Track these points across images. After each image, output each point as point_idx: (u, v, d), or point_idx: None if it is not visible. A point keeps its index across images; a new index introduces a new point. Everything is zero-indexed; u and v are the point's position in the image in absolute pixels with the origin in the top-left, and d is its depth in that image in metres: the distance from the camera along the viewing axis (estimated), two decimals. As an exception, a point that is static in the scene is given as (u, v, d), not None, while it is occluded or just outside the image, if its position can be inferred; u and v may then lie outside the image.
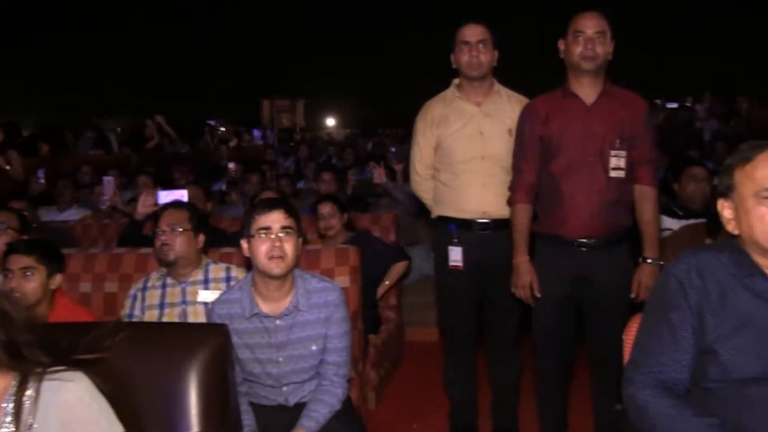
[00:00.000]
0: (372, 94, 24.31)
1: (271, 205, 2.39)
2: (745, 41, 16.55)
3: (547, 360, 2.97)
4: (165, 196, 3.47)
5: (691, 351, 1.67)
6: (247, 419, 2.39)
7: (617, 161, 2.75)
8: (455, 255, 3.09)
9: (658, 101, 11.39)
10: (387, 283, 4.17)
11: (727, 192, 1.72)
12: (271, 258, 2.32)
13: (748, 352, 1.61)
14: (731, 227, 1.72)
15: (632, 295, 2.76)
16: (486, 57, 3.05)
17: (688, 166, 3.91)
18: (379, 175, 5.63)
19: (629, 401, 1.72)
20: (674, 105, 11.23)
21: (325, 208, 4.09)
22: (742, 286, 1.67)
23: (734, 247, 1.73)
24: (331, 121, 26.25)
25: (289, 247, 2.34)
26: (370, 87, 24.25)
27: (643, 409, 1.68)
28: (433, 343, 4.47)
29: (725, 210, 1.73)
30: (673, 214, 3.69)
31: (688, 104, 10.81)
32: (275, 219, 2.35)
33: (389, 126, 18.11)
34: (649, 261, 2.77)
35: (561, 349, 2.95)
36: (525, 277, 2.86)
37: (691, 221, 3.44)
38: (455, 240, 3.09)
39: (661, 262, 2.73)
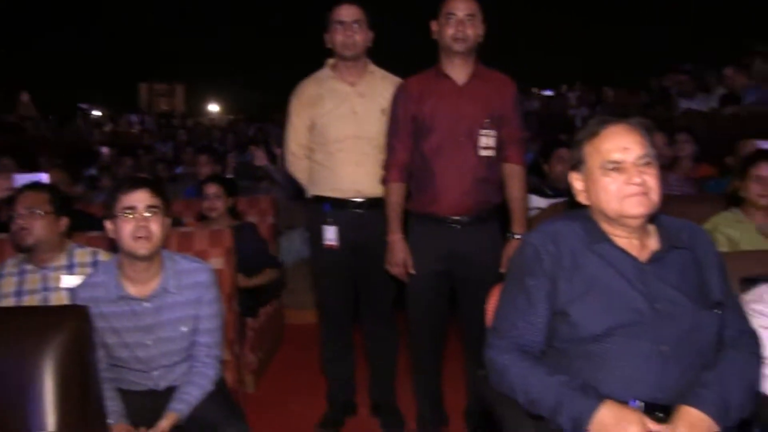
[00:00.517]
0: (258, 81, 23.99)
1: (135, 184, 2.33)
2: (612, 38, 17.57)
3: (421, 334, 3.05)
4: (22, 180, 3.29)
5: (545, 314, 1.79)
6: (114, 406, 2.32)
7: (487, 140, 2.84)
8: (330, 234, 3.13)
9: (535, 89, 11.90)
10: (253, 281, 4.01)
11: (578, 165, 1.85)
12: (136, 238, 2.26)
13: (594, 312, 1.73)
14: (582, 198, 1.85)
15: (501, 270, 2.87)
16: (360, 37, 3.09)
17: (556, 148, 4.10)
18: (260, 157, 5.59)
19: (490, 365, 1.82)
20: (550, 92, 11.76)
21: (211, 189, 4.01)
22: (591, 251, 1.79)
23: (585, 216, 1.85)
24: (214, 107, 25.83)
25: (155, 227, 2.29)
26: (255, 73, 23.92)
27: (502, 372, 1.78)
28: (313, 325, 4.50)
29: (576, 182, 1.86)
30: (542, 194, 3.85)
31: (562, 92, 11.35)
32: (140, 198, 2.29)
33: (277, 112, 17.96)
34: (517, 236, 2.88)
35: (435, 323, 3.04)
36: (399, 255, 2.91)
37: (559, 200, 3.60)
38: (330, 219, 3.12)
39: None
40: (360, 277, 3.24)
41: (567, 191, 3.63)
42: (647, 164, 1.76)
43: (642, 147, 1.76)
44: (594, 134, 1.81)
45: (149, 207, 2.29)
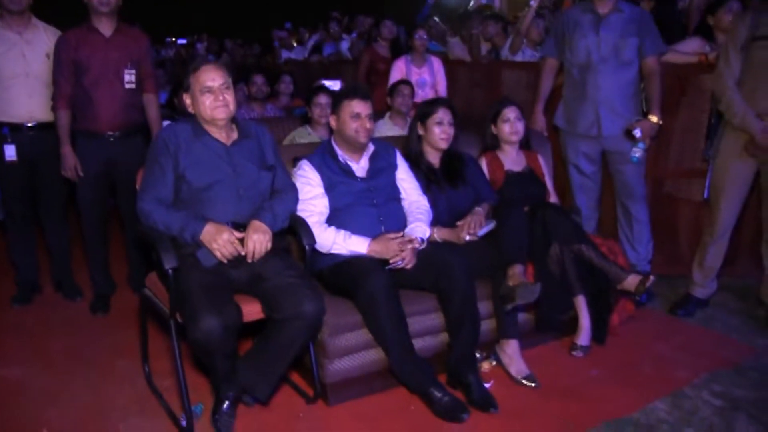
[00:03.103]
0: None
1: None
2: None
3: (91, 219, 3.68)
4: None
5: (171, 177, 2.57)
6: None
7: (130, 77, 3.54)
8: (10, 151, 3.57)
9: (170, 39, 12.22)
10: None
11: (187, 89, 2.67)
12: None
13: (201, 174, 2.58)
14: (190, 109, 2.68)
15: None
16: None
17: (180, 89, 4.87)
18: None
19: (140, 211, 2.55)
20: (184, 41, 12.20)
21: None
22: (197, 140, 2.63)
23: (194, 120, 2.69)
24: None
25: None
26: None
27: (148, 213, 2.53)
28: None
29: (187, 99, 2.68)
30: (173, 119, 4.60)
31: (193, 42, 11.85)
32: None
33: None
34: None
35: (99, 213, 3.70)
36: (70, 162, 3.51)
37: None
38: (9, 140, 3.55)
39: None
40: (38, 184, 3.71)
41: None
42: (227, 88, 2.64)
43: (223, 78, 2.63)
44: (196, 69, 2.64)
45: None
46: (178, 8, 15.95)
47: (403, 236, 2.86)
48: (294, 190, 2.84)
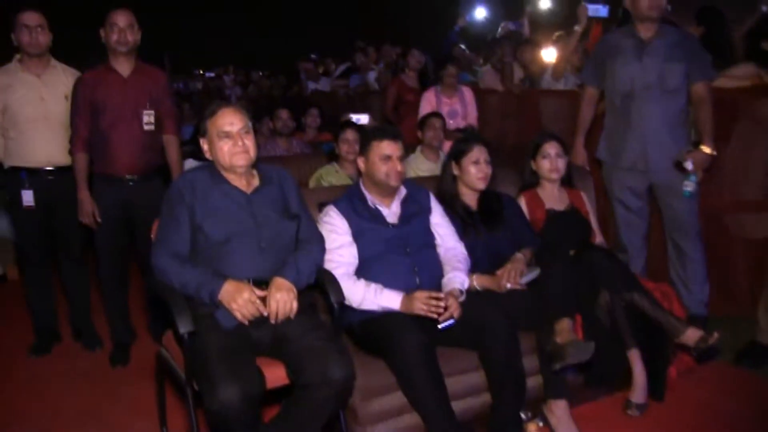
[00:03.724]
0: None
1: None
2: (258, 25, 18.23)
3: (109, 266, 3.51)
4: None
5: (187, 229, 2.36)
6: None
7: (148, 118, 3.37)
8: (27, 197, 3.42)
9: (198, 71, 12.21)
10: None
11: (204, 134, 2.47)
12: None
13: (218, 226, 2.36)
14: (207, 155, 2.48)
15: None
16: (43, 39, 3.41)
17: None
18: None
19: (154, 267, 2.35)
20: (212, 74, 12.19)
21: None
22: (215, 188, 2.42)
23: (212, 167, 2.48)
24: None
25: None
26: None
27: (162, 270, 2.33)
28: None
29: (204, 144, 2.48)
30: (198, 158, 4.43)
31: (220, 75, 11.83)
32: None
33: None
34: None
35: (118, 258, 3.52)
36: (88, 207, 3.33)
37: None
38: (27, 185, 3.40)
39: None
40: (56, 229, 3.55)
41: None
42: (247, 133, 2.44)
43: (242, 122, 2.43)
44: (213, 113, 2.45)
45: None
46: (205, 41, 16.04)
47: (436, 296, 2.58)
48: (321, 241, 2.59)
